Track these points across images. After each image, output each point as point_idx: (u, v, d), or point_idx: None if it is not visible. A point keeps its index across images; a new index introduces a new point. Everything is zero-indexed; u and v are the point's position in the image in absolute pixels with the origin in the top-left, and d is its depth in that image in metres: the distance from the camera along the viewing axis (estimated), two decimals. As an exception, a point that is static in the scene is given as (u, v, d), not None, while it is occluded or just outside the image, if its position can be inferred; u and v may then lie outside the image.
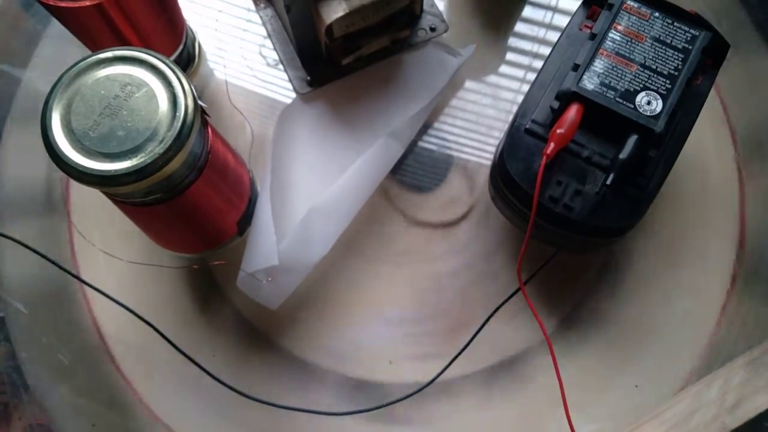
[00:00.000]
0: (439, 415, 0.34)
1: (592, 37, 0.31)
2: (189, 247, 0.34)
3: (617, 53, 0.31)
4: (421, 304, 0.35)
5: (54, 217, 0.37)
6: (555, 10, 0.42)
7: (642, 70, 0.30)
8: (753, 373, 0.32)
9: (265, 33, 0.40)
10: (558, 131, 0.30)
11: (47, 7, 0.28)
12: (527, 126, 0.31)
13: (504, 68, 0.40)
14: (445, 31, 0.39)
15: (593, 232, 0.30)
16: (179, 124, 0.24)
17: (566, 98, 0.30)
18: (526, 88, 0.33)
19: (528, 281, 0.34)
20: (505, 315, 0.34)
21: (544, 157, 0.29)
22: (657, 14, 0.31)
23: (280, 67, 0.39)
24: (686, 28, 0.31)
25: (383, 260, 0.36)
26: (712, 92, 0.34)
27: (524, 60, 0.41)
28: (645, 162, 0.30)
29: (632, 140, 0.29)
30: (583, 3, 0.34)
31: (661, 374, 0.34)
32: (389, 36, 0.37)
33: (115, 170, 0.23)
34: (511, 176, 0.31)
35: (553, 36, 0.40)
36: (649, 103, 0.30)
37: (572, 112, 0.30)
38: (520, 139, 0.31)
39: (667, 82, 0.30)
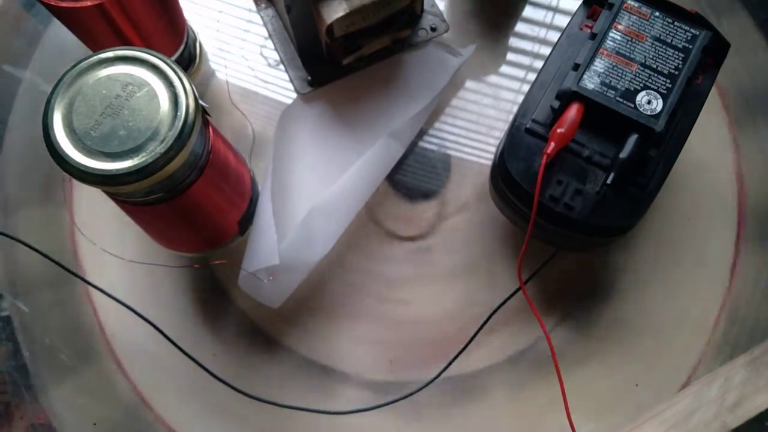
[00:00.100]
0: (438, 414, 0.34)
1: (593, 36, 0.31)
2: (190, 247, 0.34)
3: (618, 53, 0.31)
4: (421, 303, 0.35)
5: (56, 217, 0.37)
6: (555, 10, 0.42)
7: (642, 69, 0.30)
8: (753, 372, 0.32)
9: (266, 33, 0.40)
10: (558, 131, 0.30)
11: (48, 7, 0.28)
12: (528, 125, 0.31)
13: (504, 68, 0.40)
14: (446, 31, 0.39)
15: (594, 231, 0.30)
16: (180, 123, 0.24)
17: (567, 98, 0.30)
18: (526, 88, 0.33)
19: (528, 281, 0.34)
20: (506, 314, 0.34)
21: (545, 157, 0.29)
22: (657, 14, 0.32)
23: (281, 67, 0.39)
24: (687, 28, 0.31)
25: (383, 259, 0.36)
26: (713, 91, 0.34)
27: (525, 60, 0.41)
28: (645, 161, 0.30)
29: (632, 139, 0.29)
30: (583, 3, 0.34)
31: (661, 374, 0.34)
32: (390, 36, 0.37)
33: (117, 170, 0.23)
34: (511, 176, 0.31)
35: (554, 36, 0.40)
36: (649, 102, 0.30)
37: (573, 111, 0.30)
38: (520, 139, 0.31)
39: (668, 81, 0.30)
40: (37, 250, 0.31)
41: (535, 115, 0.32)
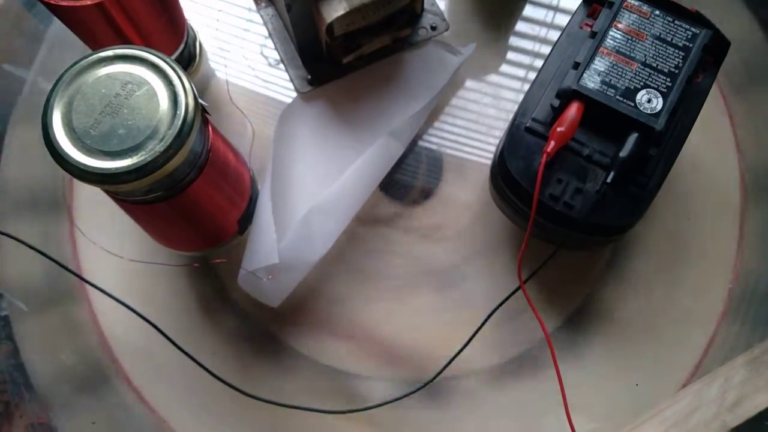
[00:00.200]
0: (438, 414, 0.34)
1: (593, 35, 0.31)
2: (190, 246, 0.34)
3: (618, 51, 0.31)
4: (421, 302, 0.35)
5: (56, 216, 0.37)
6: (556, 9, 0.42)
7: (642, 68, 0.30)
8: (753, 372, 0.32)
9: (266, 32, 0.40)
10: (558, 129, 0.30)
11: (49, 6, 0.28)
12: (528, 124, 0.31)
13: (505, 67, 0.40)
14: (446, 30, 0.39)
15: (594, 230, 0.30)
16: (180, 122, 0.24)
17: (567, 96, 0.30)
18: (527, 87, 0.33)
19: (528, 280, 0.34)
20: (505, 314, 0.34)
21: (545, 156, 0.29)
22: (658, 12, 0.31)
23: (281, 66, 0.39)
24: (687, 26, 0.31)
25: (383, 259, 0.36)
26: (713, 90, 0.34)
27: (525, 59, 0.41)
28: (645, 160, 0.30)
29: (633, 138, 0.29)
30: (583, 1, 0.34)
31: (661, 373, 0.34)
32: (390, 35, 0.37)
33: (116, 168, 0.23)
34: (511, 174, 0.31)
35: (554, 35, 0.40)
36: (649, 101, 0.30)
37: (573, 110, 0.30)
38: (520, 138, 0.31)
39: (668, 80, 0.30)
40: (36, 250, 0.31)
41: (535, 113, 0.31)
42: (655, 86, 0.30)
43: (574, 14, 0.33)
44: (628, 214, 0.30)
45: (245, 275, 0.32)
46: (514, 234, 0.36)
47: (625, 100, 0.30)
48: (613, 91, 0.30)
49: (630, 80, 0.30)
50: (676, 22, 0.31)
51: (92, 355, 0.35)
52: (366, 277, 0.36)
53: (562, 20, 0.39)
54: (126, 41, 0.31)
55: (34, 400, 0.34)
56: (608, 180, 0.29)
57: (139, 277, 0.35)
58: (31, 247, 0.31)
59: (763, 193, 0.37)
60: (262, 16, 0.40)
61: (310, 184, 0.36)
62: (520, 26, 0.41)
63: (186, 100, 0.24)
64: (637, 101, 0.30)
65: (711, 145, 0.38)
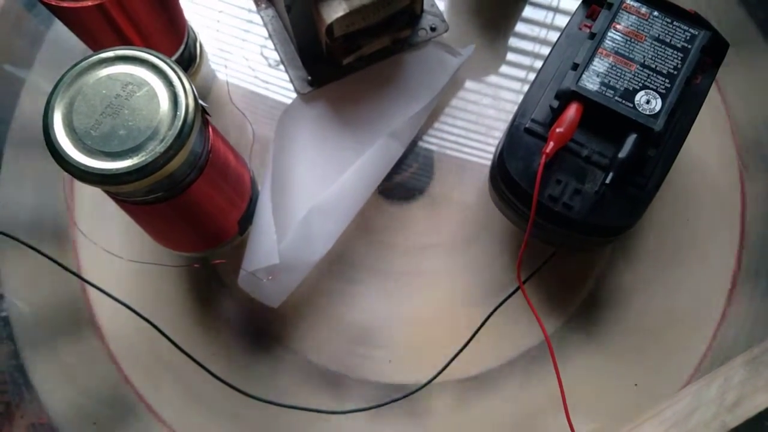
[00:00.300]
0: (438, 414, 0.34)
1: (592, 36, 0.31)
2: (190, 246, 0.34)
3: (616, 52, 0.31)
4: (421, 303, 0.35)
5: (56, 216, 0.37)
6: (555, 10, 0.42)
7: (641, 69, 0.30)
8: (753, 372, 0.32)
9: (266, 33, 0.40)
10: (557, 130, 0.30)
11: (49, 7, 0.28)
12: (527, 125, 0.31)
13: (504, 68, 0.40)
14: (446, 31, 0.39)
15: (592, 231, 0.30)
16: (180, 123, 0.24)
17: (565, 97, 0.30)
18: (526, 87, 0.33)
19: (527, 280, 0.34)
20: (505, 314, 0.34)
21: (544, 156, 0.29)
22: (656, 13, 0.32)
23: (281, 67, 0.39)
24: (686, 28, 0.31)
25: (383, 260, 0.36)
26: (712, 91, 0.34)
27: (524, 60, 0.41)
28: (644, 161, 0.30)
29: (631, 139, 0.29)
30: (582, 2, 0.34)
31: (661, 374, 0.34)
32: (390, 36, 0.37)
33: (117, 169, 0.23)
34: (510, 175, 0.31)
35: (554, 36, 0.40)
36: (648, 102, 0.30)
37: (571, 111, 0.30)
38: (519, 139, 0.31)
39: (667, 81, 0.30)
40: (37, 250, 0.31)
41: (534, 114, 0.32)
42: (654, 87, 0.30)
43: (573, 15, 0.34)
44: (627, 215, 0.30)
45: (245, 276, 0.33)
46: (513, 235, 0.36)
47: (624, 101, 0.30)
48: (612, 92, 0.30)
49: (629, 81, 0.30)
50: (674, 23, 0.31)
51: (92, 355, 0.35)
52: (366, 277, 0.36)
53: (562, 21, 0.39)
54: (126, 42, 0.31)
55: (35, 400, 0.34)
56: (607, 181, 0.29)
57: (139, 277, 0.35)
58: (32, 248, 0.31)
59: (763, 194, 0.37)
60: (262, 17, 0.40)
61: (310, 185, 0.36)
62: (520, 27, 0.41)
63: (186, 101, 0.24)
64: (636, 102, 0.30)
65: (710, 145, 0.38)
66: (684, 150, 0.31)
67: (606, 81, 0.30)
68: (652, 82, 0.30)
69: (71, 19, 0.30)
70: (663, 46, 0.31)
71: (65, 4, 0.28)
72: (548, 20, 0.41)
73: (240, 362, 0.34)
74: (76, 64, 0.25)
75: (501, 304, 0.33)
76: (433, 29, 0.39)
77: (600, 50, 0.31)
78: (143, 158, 0.24)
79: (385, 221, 0.37)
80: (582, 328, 0.35)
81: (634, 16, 0.32)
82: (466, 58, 0.38)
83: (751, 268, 0.36)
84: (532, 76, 0.34)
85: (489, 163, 0.34)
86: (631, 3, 0.32)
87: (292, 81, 0.38)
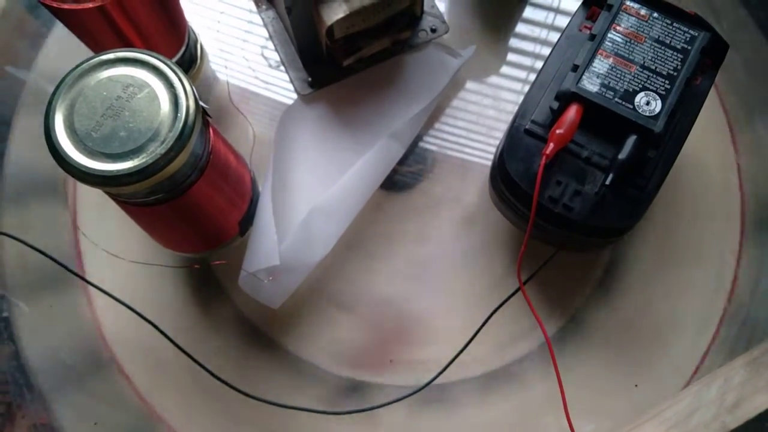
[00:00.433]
0: (438, 414, 0.34)
1: (592, 37, 0.31)
2: (191, 247, 0.34)
3: (616, 54, 0.31)
4: (420, 303, 0.36)
5: (58, 217, 0.37)
6: (556, 11, 0.42)
7: (641, 70, 0.30)
8: (753, 373, 0.32)
9: (266, 34, 0.40)
10: (557, 131, 0.30)
11: (51, 9, 0.28)
12: (527, 126, 0.31)
13: (505, 69, 0.40)
14: (446, 33, 0.39)
15: (593, 232, 0.30)
16: (181, 124, 0.24)
17: (565, 99, 0.30)
18: (527, 88, 0.33)
19: (528, 281, 0.34)
20: (505, 315, 0.34)
21: (544, 158, 0.29)
22: (656, 15, 0.32)
23: (282, 68, 0.39)
24: (685, 29, 0.31)
25: (383, 260, 0.36)
26: (712, 92, 0.34)
27: (525, 61, 0.41)
28: (644, 162, 0.30)
29: (631, 140, 0.29)
30: (582, 4, 0.34)
31: (661, 374, 0.34)
32: (390, 37, 0.38)
33: (117, 170, 0.23)
34: (510, 176, 0.31)
35: (554, 37, 0.40)
36: (648, 103, 0.30)
37: (571, 112, 0.30)
38: (519, 140, 0.31)
39: (667, 82, 0.30)
40: (38, 250, 0.31)
41: (534, 116, 0.32)
42: (654, 88, 0.30)
43: (573, 17, 0.34)
44: (627, 216, 0.30)
45: (246, 277, 0.33)
46: (513, 235, 0.36)
47: (623, 103, 0.30)
48: (612, 93, 0.30)
49: (629, 83, 0.30)
50: (674, 24, 0.31)
51: (93, 355, 0.35)
52: (366, 278, 0.36)
53: (562, 22, 0.39)
54: (127, 44, 0.31)
55: (36, 400, 0.34)
56: (607, 182, 0.29)
57: (140, 277, 0.35)
58: (33, 248, 0.32)
59: (763, 194, 0.38)
60: (262, 19, 0.40)
61: (311, 186, 0.36)
62: (520, 28, 0.41)
63: (187, 102, 0.25)
64: (635, 103, 0.30)
65: (710, 146, 0.38)
66: (684, 151, 0.31)
67: (606, 82, 0.30)
68: (652, 84, 0.30)
69: (72, 21, 0.30)
70: (663, 48, 0.31)
71: (66, 6, 0.28)
72: (549, 21, 0.41)
73: (240, 362, 0.34)
74: (77, 66, 0.25)
75: (501, 305, 0.33)
76: (433, 30, 0.39)
77: (600, 51, 0.31)
78: (144, 160, 0.24)
79: (384, 221, 0.37)
80: (582, 328, 0.35)
81: (634, 18, 0.32)
82: (466, 59, 0.38)
83: (751, 269, 0.36)
84: (532, 77, 0.34)
85: (489, 163, 0.35)
86: (631, 4, 0.32)
87: (292, 82, 0.39)
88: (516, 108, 0.33)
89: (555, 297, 0.36)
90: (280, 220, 0.34)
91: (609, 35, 0.31)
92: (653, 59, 0.31)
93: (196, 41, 0.39)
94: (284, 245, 0.33)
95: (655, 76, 0.30)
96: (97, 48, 0.32)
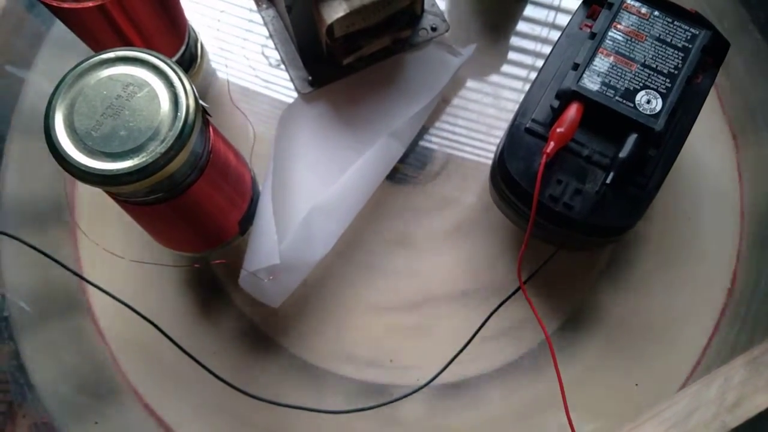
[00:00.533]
0: (439, 414, 0.34)
1: (592, 36, 0.31)
2: (191, 246, 0.34)
3: (617, 52, 0.31)
4: (421, 303, 0.36)
5: (58, 216, 0.37)
6: (557, 9, 0.42)
7: (642, 69, 0.30)
8: (753, 372, 0.32)
9: (267, 33, 0.40)
10: (558, 130, 0.30)
11: (50, 8, 0.28)
12: (527, 125, 0.31)
13: (505, 67, 0.40)
14: (446, 31, 0.39)
15: (593, 231, 0.30)
16: (181, 123, 0.24)
17: (566, 97, 0.30)
18: (527, 87, 0.33)
19: (528, 280, 0.34)
20: (505, 314, 0.34)
21: (544, 156, 0.29)
22: (657, 13, 0.32)
23: (282, 67, 0.39)
24: (686, 27, 0.31)
25: (384, 259, 0.36)
26: (713, 91, 0.34)
27: (526, 59, 0.41)
28: (645, 161, 0.30)
29: (632, 139, 0.29)
30: (583, 2, 0.34)
31: (661, 373, 0.34)
32: (390, 36, 0.37)
33: (117, 169, 0.23)
34: (511, 175, 0.31)
35: (555, 35, 0.40)
36: (648, 102, 0.30)
37: (572, 111, 0.30)
38: (520, 138, 0.31)
39: (667, 81, 0.30)
40: (38, 250, 0.31)
41: (534, 114, 0.32)
42: (655, 87, 0.30)
43: (573, 15, 0.34)
44: (628, 215, 0.30)
45: (246, 276, 0.33)
46: (514, 234, 0.36)
47: (624, 101, 0.30)
48: (613, 92, 0.30)
49: (629, 81, 0.30)
50: (675, 23, 0.31)
51: (93, 354, 0.35)
52: (366, 277, 0.36)
53: (563, 20, 0.39)
54: (127, 43, 0.31)
55: (37, 400, 0.34)
56: (608, 181, 0.29)
57: (140, 277, 0.35)
58: (33, 247, 0.31)
59: (763, 193, 0.37)
60: (263, 17, 0.40)
61: (311, 185, 0.36)
62: (521, 26, 0.41)
63: (187, 101, 0.24)
64: (636, 102, 0.30)
65: (710, 145, 0.38)
66: (685, 150, 0.31)
67: (607, 81, 0.30)
68: (653, 82, 0.30)
69: (72, 20, 0.30)
70: (664, 46, 0.31)
71: (66, 5, 0.28)
72: (549, 19, 0.41)
73: (240, 362, 0.34)
74: (77, 65, 0.25)
75: (501, 304, 0.33)
76: (433, 29, 0.39)
77: (601, 50, 0.31)
78: (144, 159, 0.24)
79: (384, 220, 0.37)
80: (582, 327, 0.35)
81: (634, 16, 0.32)
82: (467, 57, 0.38)
83: (751, 268, 0.36)
84: (533, 76, 0.34)
85: (490, 162, 0.35)
86: (632, 3, 0.32)
87: (292, 81, 0.39)
88: (516, 106, 0.33)
89: (555, 296, 0.35)
90: (280, 219, 0.34)
91: (610, 34, 0.31)
92: (654, 58, 0.31)
93: (196, 40, 0.39)
94: (284, 244, 0.33)
95: (655, 74, 0.30)
96: (97, 47, 0.32)
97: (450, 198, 0.37)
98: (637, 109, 0.30)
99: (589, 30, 0.32)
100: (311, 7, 0.34)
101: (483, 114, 0.39)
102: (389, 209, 0.37)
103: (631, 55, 0.31)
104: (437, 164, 0.38)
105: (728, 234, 0.37)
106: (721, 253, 0.36)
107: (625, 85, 0.30)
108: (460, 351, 0.33)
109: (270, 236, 0.32)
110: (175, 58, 0.36)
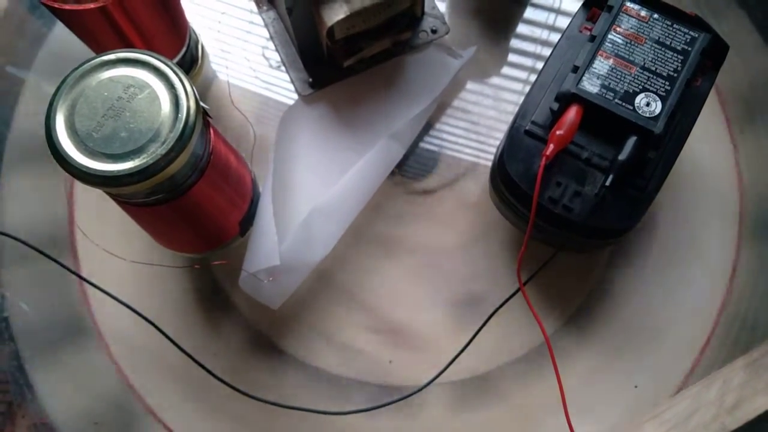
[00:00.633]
0: (438, 415, 0.34)
1: (592, 39, 0.31)
2: (191, 247, 0.34)
3: (617, 55, 0.31)
4: (421, 304, 0.36)
5: (57, 217, 0.37)
6: (557, 12, 0.42)
7: (641, 71, 0.30)
8: (752, 375, 0.32)
9: (267, 35, 0.40)
10: (557, 133, 0.30)
11: (52, 9, 0.29)
12: (527, 127, 0.31)
13: (505, 69, 0.40)
14: (447, 33, 0.39)
15: (592, 233, 0.31)
16: (181, 125, 0.24)
17: (566, 100, 0.30)
18: (527, 89, 0.33)
19: (528, 282, 0.34)
20: (505, 315, 0.34)
21: (544, 159, 0.29)
22: (656, 16, 0.32)
23: (283, 68, 0.39)
24: (686, 30, 0.31)
25: (383, 261, 0.36)
26: (712, 93, 0.34)
27: (526, 61, 0.41)
28: (644, 163, 0.30)
29: (631, 142, 0.29)
30: (583, 5, 0.34)
31: (661, 374, 0.34)
32: (390, 38, 0.38)
33: (118, 171, 0.24)
34: (510, 177, 0.31)
35: (555, 38, 0.40)
36: (648, 104, 0.30)
37: (572, 113, 0.30)
38: (519, 141, 0.31)
39: (667, 83, 0.30)
40: (38, 250, 0.32)
41: (534, 116, 0.32)
42: (654, 90, 0.30)
43: (573, 18, 0.34)
44: (627, 217, 0.30)
45: (246, 277, 0.33)
46: (513, 236, 0.36)
47: (624, 104, 0.30)
48: (612, 94, 0.30)
49: (629, 84, 0.30)
50: (674, 25, 0.31)
51: (93, 355, 0.35)
52: (366, 279, 0.36)
53: (563, 23, 0.39)
54: (128, 44, 0.31)
55: (36, 400, 0.34)
56: (607, 183, 0.29)
57: (140, 278, 0.36)
58: (33, 248, 0.32)
59: (762, 194, 0.38)
60: (263, 19, 0.40)
61: (311, 186, 0.36)
62: (521, 29, 0.41)
63: (188, 103, 0.25)
64: (636, 105, 0.30)
65: (710, 147, 0.38)
66: (684, 151, 0.31)
67: (606, 83, 0.30)
68: (653, 85, 0.30)
69: (73, 21, 0.30)
70: (663, 49, 0.31)
71: (67, 7, 0.28)
72: (549, 22, 0.41)
73: (241, 363, 0.34)
74: (78, 67, 0.25)
75: (501, 306, 0.33)
76: (434, 31, 0.39)
77: (600, 53, 0.31)
78: (144, 160, 0.24)
79: (384, 222, 0.37)
80: (582, 328, 0.35)
81: (634, 19, 0.32)
82: (467, 60, 0.39)
83: (751, 269, 0.36)
84: (533, 78, 0.34)
85: (489, 164, 0.35)
86: (632, 6, 0.32)
87: (293, 82, 0.39)
88: (516, 109, 0.33)
89: (555, 297, 0.36)
90: (280, 220, 0.34)
91: (609, 36, 0.31)
92: (653, 60, 0.31)
93: (197, 42, 0.39)
94: (284, 245, 0.33)
95: (655, 77, 0.30)
96: (98, 48, 0.32)
97: (449, 199, 0.37)
98: (637, 112, 0.30)
99: (588, 33, 0.32)
100: (312, 9, 0.34)
101: (483, 116, 0.39)
102: (389, 210, 0.37)
103: (631, 58, 0.31)
104: (437, 166, 0.38)
105: (728, 235, 0.37)
106: (720, 254, 0.36)
107: (625, 88, 0.30)
108: (460, 352, 0.33)
109: (270, 237, 0.32)
110: (175, 60, 0.36)
